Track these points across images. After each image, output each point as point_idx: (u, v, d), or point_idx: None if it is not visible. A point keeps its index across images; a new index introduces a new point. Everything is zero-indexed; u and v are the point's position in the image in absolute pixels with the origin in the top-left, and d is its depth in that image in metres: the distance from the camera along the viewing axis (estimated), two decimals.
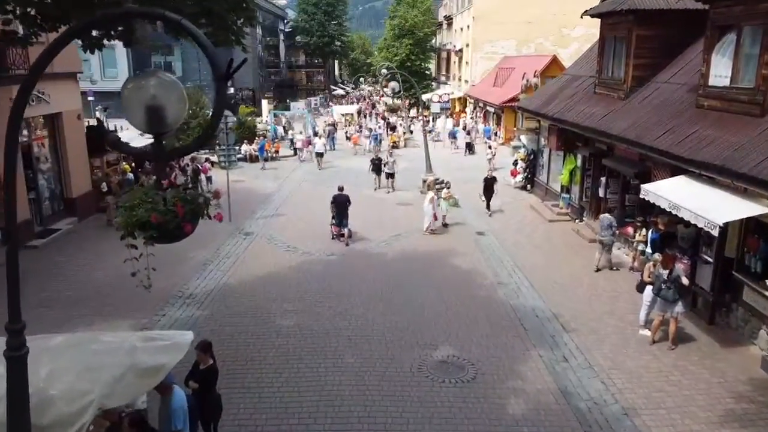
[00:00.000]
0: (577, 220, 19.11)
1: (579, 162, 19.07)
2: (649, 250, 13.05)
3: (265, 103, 54.26)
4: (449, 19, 62.18)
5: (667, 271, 10.23)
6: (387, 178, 24.27)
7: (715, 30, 12.20)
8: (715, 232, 9.82)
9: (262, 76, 73.06)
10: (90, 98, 53.24)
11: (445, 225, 18.73)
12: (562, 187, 20.41)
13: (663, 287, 10.21)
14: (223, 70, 3.80)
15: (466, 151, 36.43)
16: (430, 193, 18.07)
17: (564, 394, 9.20)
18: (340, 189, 17.55)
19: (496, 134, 40.42)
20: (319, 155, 30.69)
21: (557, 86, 21.82)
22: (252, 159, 32.04)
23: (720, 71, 12.06)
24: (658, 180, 12.83)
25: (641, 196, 12.04)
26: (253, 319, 11.80)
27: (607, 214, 14.32)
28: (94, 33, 10.36)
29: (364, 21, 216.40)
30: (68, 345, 5.85)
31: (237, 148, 31.93)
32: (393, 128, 38.98)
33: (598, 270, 14.54)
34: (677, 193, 10.99)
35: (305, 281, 14.01)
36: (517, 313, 12.25)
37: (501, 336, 11.18)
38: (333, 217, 17.28)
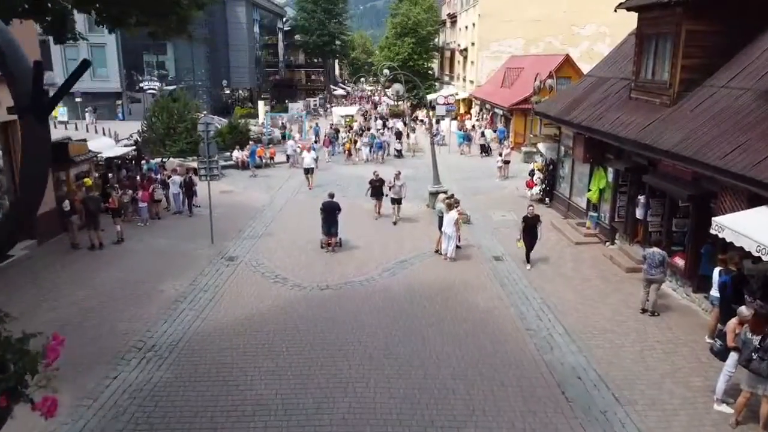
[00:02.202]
0: (608, 243, 16.73)
1: (610, 177, 16.68)
2: (715, 293, 10.64)
3: (261, 104, 51.84)
4: (453, 17, 59.79)
5: (760, 337, 7.84)
6: (393, 204, 19.67)
7: None
8: None
9: (260, 76, 70.73)
10: (77, 99, 51.08)
11: (458, 246, 16.33)
12: (589, 203, 18.03)
13: (754, 357, 7.83)
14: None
15: (482, 154, 34.92)
16: (453, 213, 15.66)
17: None
18: (331, 196, 16.91)
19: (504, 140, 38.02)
20: (308, 171, 25.60)
21: (581, 90, 19.42)
22: (244, 166, 29.66)
23: None
24: (725, 207, 10.47)
25: (713, 232, 9.64)
26: (224, 387, 9.39)
27: (657, 249, 11.88)
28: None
29: (365, 20, 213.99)
30: None
31: (219, 157, 29.86)
32: (399, 135, 35.90)
33: (644, 311, 12.16)
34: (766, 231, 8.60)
35: (294, 328, 11.60)
36: (554, 374, 9.86)
37: (539, 411, 8.78)
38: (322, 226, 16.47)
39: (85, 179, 18.24)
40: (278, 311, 12.38)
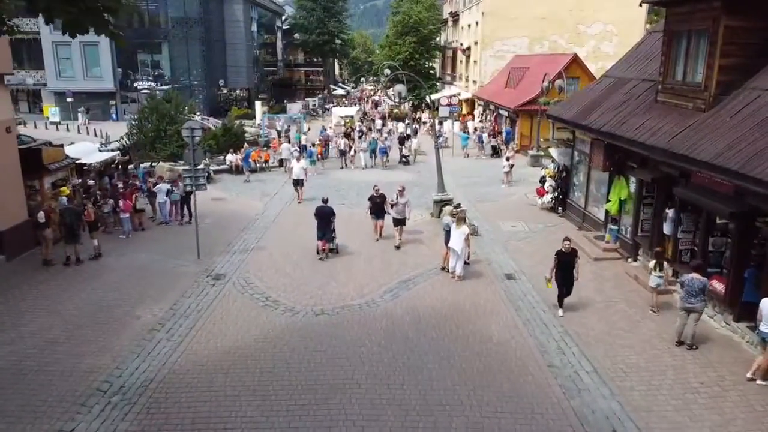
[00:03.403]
0: (630, 260, 15.31)
1: (632, 187, 15.27)
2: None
3: (258, 104, 50.40)
4: (455, 15, 58.43)
5: None
6: (396, 225, 17.05)
7: None
8: None
9: (258, 76, 69.27)
10: (69, 99, 49.65)
11: (466, 263, 14.89)
12: (607, 215, 16.62)
13: None
14: None
15: (493, 155, 33.78)
16: (464, 228, 14.22)
17: None
18: (324, 201, 16.27)
19: (499, 146, 36.57)
20: (298, 183, 22.78)
21: (598, 92, 17.99)
22: (238, 170, 28.23)
23: None
24: None
25: None
26: None
27: (697, 275, 10.45)
28: None
29: (365, 19, 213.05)
30: None
31: (213, 161, 28.43)
32: (403, 141, 33.74)
33: (680, 344, 10.74)
34: None
35: (283, 364, 10.18)
36: (585, 426, 8.45)
37: None
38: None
39: (62, 188, 16.81)
40: (267, 343, 10.96)
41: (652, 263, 12.52)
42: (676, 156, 11.80)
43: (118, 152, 26.20)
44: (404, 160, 32.07)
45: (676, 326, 10.78)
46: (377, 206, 17.17)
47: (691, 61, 12.96)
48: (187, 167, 15.43)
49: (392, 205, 16.89)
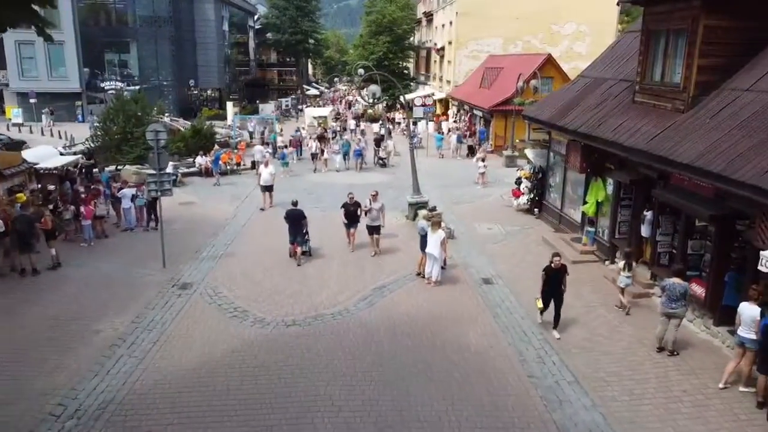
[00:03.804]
0: (607, 263, 15.10)
1: (610, 189, 15.05)
2: (747, 334, 8.97)
3: (230, 105, 49.43)
4: (429, 15, 58.25)
5: None
6: (371, 233, 16.25)
7: None
8: None
9: (230, 75, 68.13)
10: (32, 100, 48.00)
11: (443, 267, 14.45)
12: (584, 217, 16.40)
13: None
14: None
15: (468, 155, 33.46)
16: (440, 232, 13.80)
17: None
18: (294, 204, 15.86)
19: (478, 145, 36.34)
20: (266, 189, 21.63)
21: (574, 92, 17.78)
22: (207, 173, 27.46)
23: None
24: (767, 233, 8.83)
25: (762, 269, 7.96)
26: None
27: (678, 280, 10.19)
28: None
29: (339, 19, 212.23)
30: None
31: (182, 163, 27.53)
32: (379, 142, 32.79)
33: (661, 350, 10.49)
34: None
35: (252, 380, 9.63)
36: None
37: None
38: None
39: (18, 194, 15.94)
40: (235, 357, 10.40)
41: (621, 263, 12.44)
42: (655, 158, 11.57)
43: (82, 155, 25.23)
44: (381, 162, 31.47)
45: (657, 332, 10.52)
46: (351, 214, 16.23)
47: (670, 61, 12.77)
48: (152, 172, 14.72)
49: (366, 212, 16.05)
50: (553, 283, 11.16)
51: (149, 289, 13.63)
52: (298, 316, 12.19)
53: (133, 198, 18.33)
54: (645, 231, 13.47)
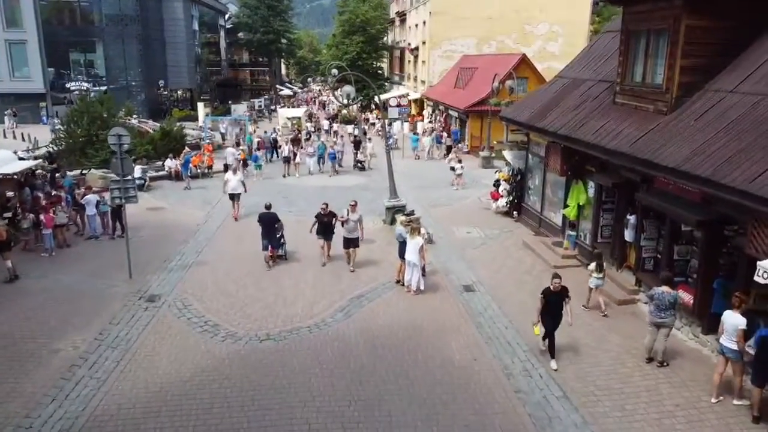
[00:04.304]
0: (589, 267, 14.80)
1: (591, 191, 14.77)
2: (729, 343, 8.69)
3: (201, 106, 48.32)
4: (402, 15, 57.88)
5: None
6: (347, 247, 14.94)
7: None
8: None
9: (201, 76, 66.76)
10: None
11: (423, 274, 13.92)
12: (565, 220, 16.12)
13: None
14: None
15: (446, 155, 32.63)
16: (418, 239, 13.29)
17: None
18: (267, 207, 15.47)
19: (456, 144, 36.05)
20: (234, 197, 19.97)
21: (552, 93, 17.50)
22: (178, 177, 26.57)
23: None
24: (760, 241, 8.54)
25: (759, 280, 7.65)
26: None
27: (667, 288, 9.89)
28: None
29: (312, 19, 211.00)
30: None
31: (151, 167, 26.52)
32: (358, 144, 31.63)
33: (650, 360, 10.17)
34: None
35: (222, 402, 9.03)
36: None
37: None
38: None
39: None
40: (205, 377, 9.77)
41: (592, 265, 12.37)
42: (639, 161, 11.27)
43: (44, 159, 24.15)
44: (359, 166, 30.35)
45: (646, 342, 10.21)
46: (324, 225, 15.08)
47: (651, 61, 12.50)
48: (115, 178, 13.95)
49: (342, 223, 14.88)
50: (553, 307, 10.06)
51: (114, 302, 12.90)
52: (273, 329, 11.60)
53: (98, 204, 17.47)
54: (628, 235, 13.19)
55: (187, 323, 11.94)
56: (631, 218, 13.00)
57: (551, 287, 10.06)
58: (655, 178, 11.61)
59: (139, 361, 10.32)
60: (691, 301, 10.87)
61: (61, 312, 12.32)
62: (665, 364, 10.03)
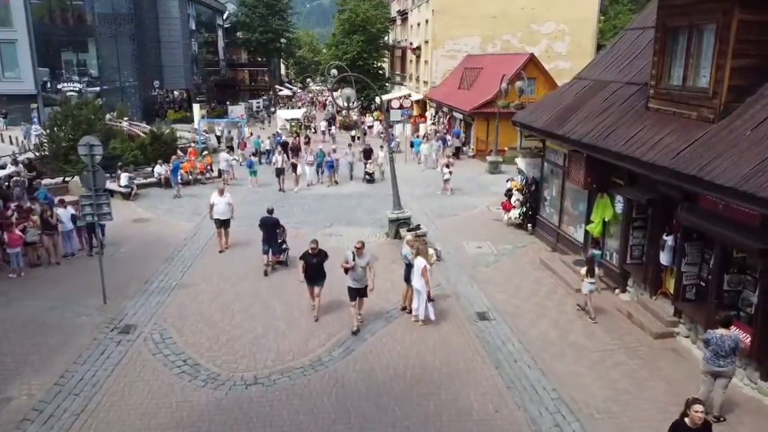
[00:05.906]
0: (617, 291, 13.30)
1: (619, 207, 13.23)
2: None
3: (196, 107, 46.80)
4: (404, 13, 56.34)
5: None
6: (353, 298, 11.47)
7: None
8: None
9: (198, 76, 65.22)
10: None
11: (431, 299, 12.32)
12: (587, 236, 14.60)
13: None
14: None
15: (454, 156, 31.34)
16: (420, 260, 11.73)
17: None
18: (269, 211, 15.21)
19: (462, 146, 34.51)
20: (222, 225, 16.53)
21: (572, 96, 15.97)
22: (168, 184, 25.04)
23: None
24: None
25: None
26: None
27: (727, 332, 8.35)
28: None
29: (312, 18, 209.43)
30: None
31: (140, 174, 24.96)
32: (369, 154, 28.05)
33: (705, 414, 8.62)
34: None
35: None
36: None
37: None
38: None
39: None
40: None
41: (583, 270, 12.33)
42: (684, 177, 9.73)
43: (21, 164, 22.65)
44: (368, 178, 27.02)
45: (700, 393, 8.62)
46: (314, 268, 11.83)
47: (693, 62, 10.95)
48: (86, 193, 12.43)
49: (347, 269, 11.27)
50: None
51: (83, 334, 11.36)
52: (261, 370, 10.08)
53: (74, 218, 15.93)
54: (665, 258, 11.63)
55: (163, 361, 10.41)
56: (669, 239, 11.46)
57: (686, 420, 6.67)
58: (701, 196, 10.07)
59: (103, 414, 8.79)
60: (748, 341, 9.33)
61: (19, 348, 10.78)
62: (722, 419, 8.50)
